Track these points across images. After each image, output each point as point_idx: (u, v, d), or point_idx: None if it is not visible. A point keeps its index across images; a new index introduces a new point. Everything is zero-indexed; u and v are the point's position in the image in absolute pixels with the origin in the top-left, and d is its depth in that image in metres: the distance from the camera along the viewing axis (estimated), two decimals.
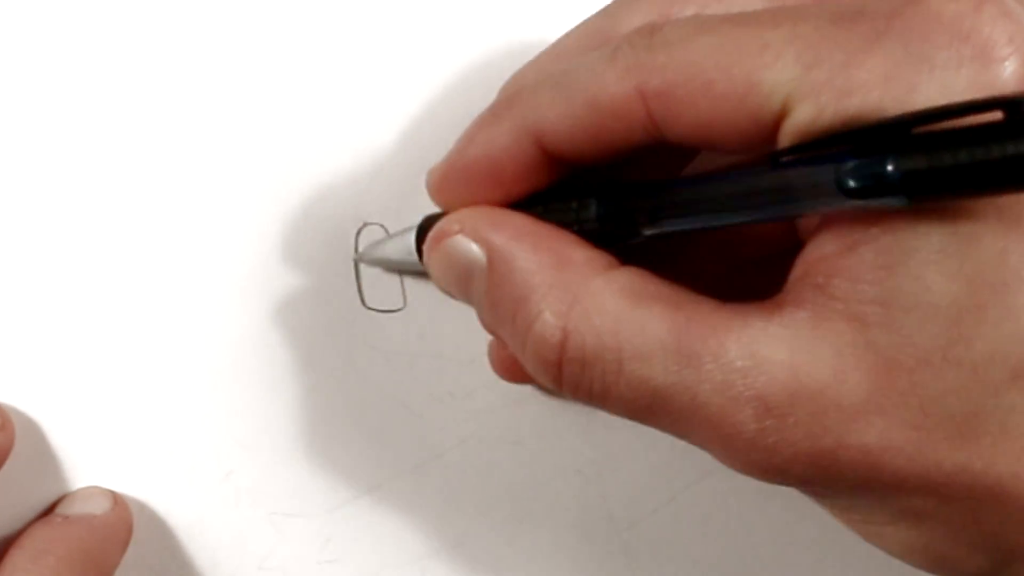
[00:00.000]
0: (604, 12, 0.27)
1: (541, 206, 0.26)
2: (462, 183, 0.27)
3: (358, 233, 0.33)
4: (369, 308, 0.33)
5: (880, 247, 0.21)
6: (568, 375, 0.24)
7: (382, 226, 0.32)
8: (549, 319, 0.24)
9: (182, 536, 0.33)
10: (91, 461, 0.32)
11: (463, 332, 0.33)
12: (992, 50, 0.20)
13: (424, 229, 0.29)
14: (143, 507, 0.33)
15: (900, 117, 0.20)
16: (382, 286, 0.33)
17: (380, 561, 0.33)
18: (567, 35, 0.28)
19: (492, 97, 0.29)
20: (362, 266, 0.33)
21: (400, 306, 0.33)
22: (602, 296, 0.24)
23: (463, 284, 0.26)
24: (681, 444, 0.32)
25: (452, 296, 0.27)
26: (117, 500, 0.32)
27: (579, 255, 0.25)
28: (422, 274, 0.31)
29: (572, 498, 0.33)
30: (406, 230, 0.30)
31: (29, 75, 0.32)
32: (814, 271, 0.22)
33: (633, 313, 0.23)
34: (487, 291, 0.25)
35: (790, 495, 0.31)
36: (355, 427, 0.33)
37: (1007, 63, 0.20)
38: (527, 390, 0.33)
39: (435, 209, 0.29)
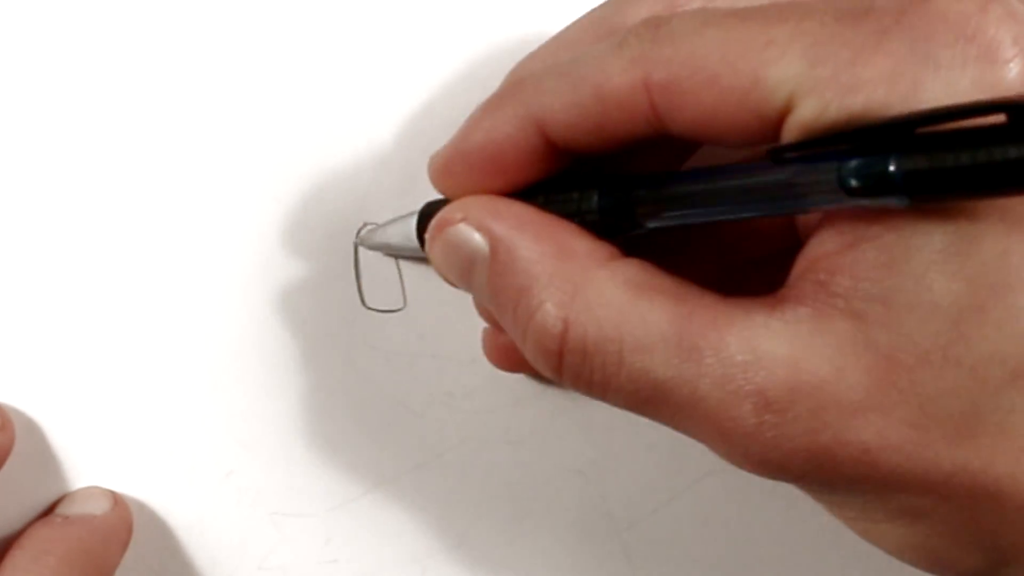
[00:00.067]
0: (610, 3, 0.27)
1: (543, 196, 0.26)
2: (464, 170, 0.27)
3: (359, 233, 0.33)
4: (369, 308, 0.33)
5: (882, 245, 0.21)
6: (568, 365, 0.24)
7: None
8: (551, 309, 0.24)
9: (182, 536, 0.33)
10: (91, 461, 0.32)
11: (463, 332, 0.33)
12: (997, 51, 0.20)
13: (425, 215, 0.29)
14: (143, 507, 0.33)
15: (903, 117, 0.20)
16: (382, 286, 0.33)
17: (380, 561, 0.33)
18: (573, 25, 0.28)
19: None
20: (362, 267, 0.33)
21: (400, 306, 0.33)
22: (604, 287, 0.24)
23: (465, 273, 0.26)
24: (681, 444, 0.32)
25: (453, 284, 0.27)
26: (117, 500, 0.32)
27: (582, 246, 0.25)
28: (422, 259, 0.31)
29: (572, 498, 0.33)
30: (407, 215, 0.30)
31: (28, 71, 0.32)
32: (816, 268, 0.22)
33: (635, 305, 0.23)
34: (489, 280, 0.26)
35: (790, 495, 0.32)
36: (355, 427, 0.33)
37: (1012, 64, 0.20)
38: (527, 390, 0.33)
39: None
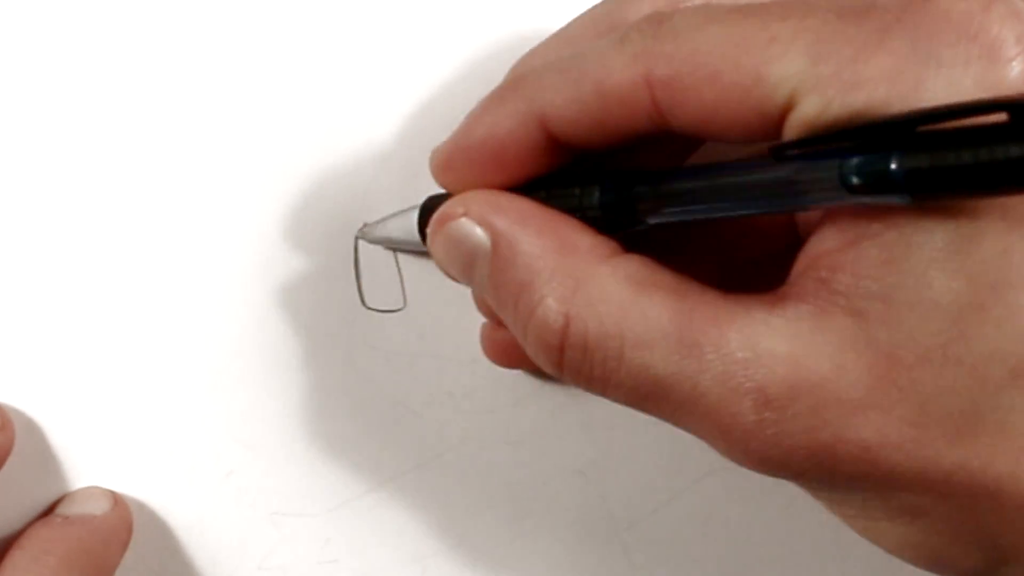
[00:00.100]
0: None
1: (544, 191, 0.26)
2: (466, 164, 0.27)
3: (357, 239, 0.33)
4: (369, 308, 0.33)
5: (883, 243, 0.21)
6: (569, 360, 0.24)
7: None
8: (552, 304, 0.24)
9: (182, 536, 0.33)
10: (91, 461, 0.32)
11: (463, 332, 0.32)
12: (1000, 50, 0.21)
13: (427, 209, 0.29)
14: (143, 507, 0.33)
15: (905, 115, 0.20)
16: (382, 286, 0.33)
17: (380, 561, 0.33)
18: (575, 21, 0.28)
19: None
20: (362, 267, 0.33)
21: (400, 306, 0.33)
22: (606, 282, 0.24)
23: (466, 268, 0.26)
24: (681, 445, 0.32)
25: (454, 279, 0.27)
26: (117, 500, 0.32)
27: (584, 241, 0.25)
28: (422, 253, 0.31)
29: (572, 498, 0.33)
30: (409, 209, 0.30)
31: (29, 70, 0.32)
32: (817, 265, 0.22)
33: (636, 300, 0.24)
34: (490, 275, 0.26)
35: (790, 495, 0.32)
36: (355, 427, 0.33)
37: (1014, 63, 0.20)
38: (527, 390, 0.33)
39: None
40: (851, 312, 0.22)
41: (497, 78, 0.28)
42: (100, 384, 0.32)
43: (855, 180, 0.20)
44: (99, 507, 0.32)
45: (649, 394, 0.24)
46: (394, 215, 0.31)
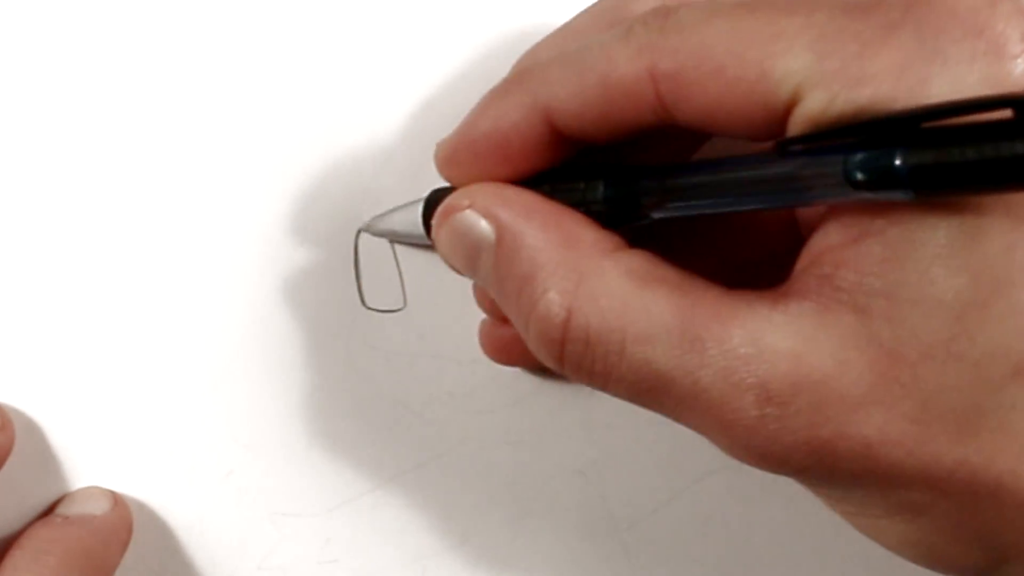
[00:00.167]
0: None
1: (548, 185, 0.26)
2: (470, 158, 0.27)
3: (358, 233, 0.33)
4: (369, 308, 0.33)
5: (886, 239, 0.21)
6: (570, 355, 0.24)
7: None
8: (554, 297, 0.24)
9: (182, 536, 0.33)
10: (91, 461, 0.32)
11: (463, 332, 0.32)
12: (1005, 46, 0.21)
13: (431, 202, 0.29)
14: (143, 507, 0.33)
15: (910, 111, 0.20)
16: (382, 286, 0.33)
17: (380, 561, 0.33)
18: (580, 15, 0.28)
19: None
20: (363, 267, 0.33)
21: (400, 306, 0.33)
22: (608, 277, 0.24)
23: (470, 260, 0.26)
24: (681, 444, 0.32)
25: (458, 272, 0.27)
26: (117, 500, 0.32)
27: (588, 235, 0.25)
28: (426, 247, 0.31)
29: (572, 498, 0.33)
30: (413, 202, 0.30)
31: (30, 68, 0.32)
32: (820, 261, 0.22)
33: (639, 295, 0.23)
34: (494, 267, 0.26)
35: (790, 495, 0.32)
36: (355, 427, 0.33)
37: (1020, 60, 0.20)
38: (527, 390, 0.33)
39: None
40: (854, 308, 0.22)
41: (500, 75, 0.28)
42: (100, 384, 0.32)
43: (859, 176, 0.20)
44: (99, 507, 0.32)
45: (650, 389, 0.24)
46: (398, 208, 0.31)
